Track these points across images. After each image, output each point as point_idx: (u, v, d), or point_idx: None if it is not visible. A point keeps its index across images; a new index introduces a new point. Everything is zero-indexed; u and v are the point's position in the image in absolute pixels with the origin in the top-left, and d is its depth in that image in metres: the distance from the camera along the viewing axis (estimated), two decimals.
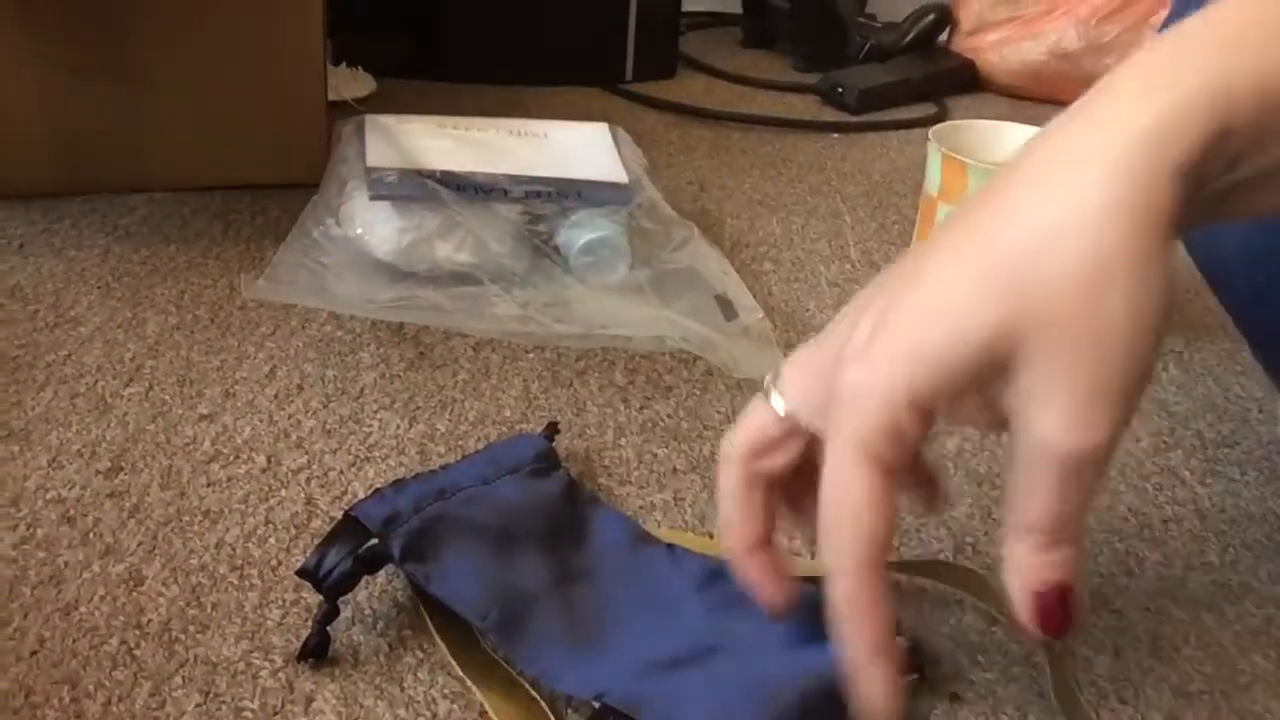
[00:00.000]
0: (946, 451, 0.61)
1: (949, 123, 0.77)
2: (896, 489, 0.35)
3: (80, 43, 0.80)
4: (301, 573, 0.46)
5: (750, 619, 0.45)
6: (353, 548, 0.46)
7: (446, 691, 0.44)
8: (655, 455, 0.59)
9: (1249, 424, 0.66)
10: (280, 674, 0.44)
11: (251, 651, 0.45)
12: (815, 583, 0.39)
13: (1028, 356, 0.32)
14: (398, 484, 0.50)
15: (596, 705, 0.43)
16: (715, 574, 0.48)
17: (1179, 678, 0.47)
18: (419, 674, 0.45)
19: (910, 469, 0.41)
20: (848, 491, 0.34)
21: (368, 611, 0.48)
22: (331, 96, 0.91)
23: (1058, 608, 0.35)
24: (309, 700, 0.43)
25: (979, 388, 0.33)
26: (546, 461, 0.54)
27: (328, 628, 0.45)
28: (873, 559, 0.35)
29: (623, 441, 0.60)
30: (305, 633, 0.46)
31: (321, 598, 0.45)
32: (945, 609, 0.50)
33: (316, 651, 0.45)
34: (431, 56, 1.17)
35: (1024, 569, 0.34)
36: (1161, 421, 0.65)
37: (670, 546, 0.51)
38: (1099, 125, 0.32)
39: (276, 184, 0.86)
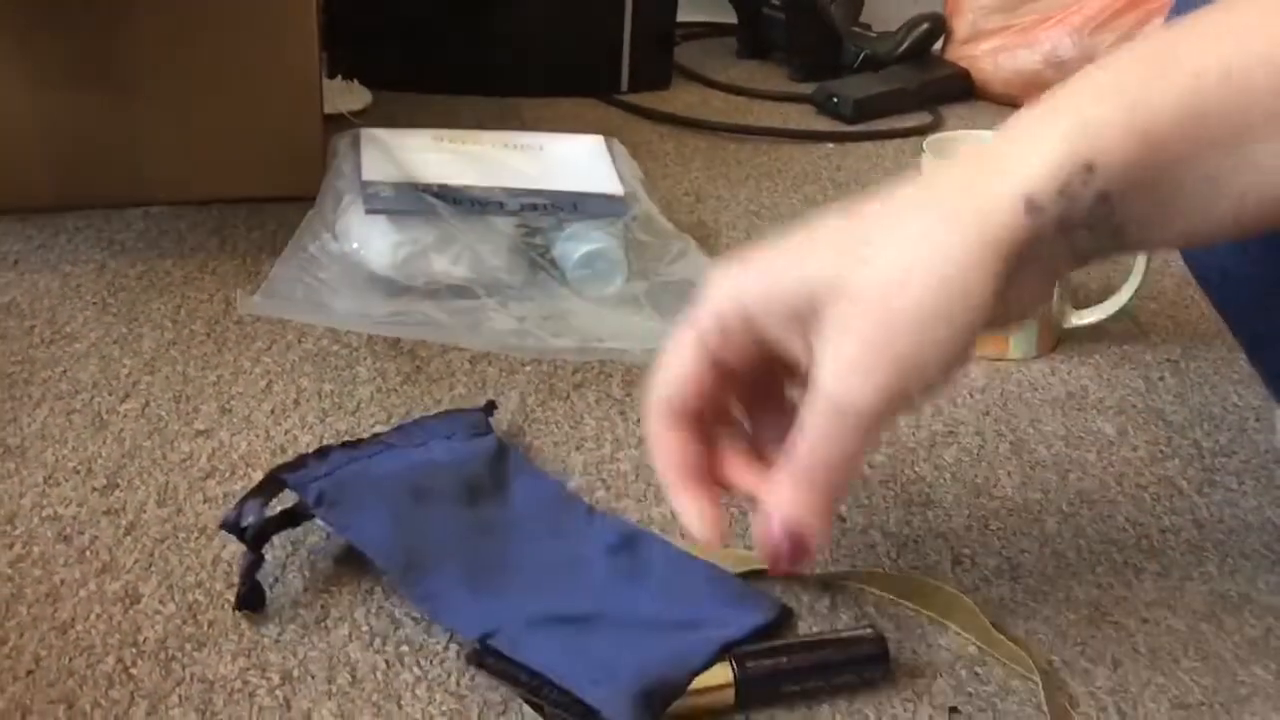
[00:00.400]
0: (944, 462, 0.61)
1: (943, 134, 0.77)
2: (720, 382, 0.41)
3: (76, 56, 0.80)
4: (223, 526, 0.49)
5: (648, 591, 0.49)
6: (269, 499, 0.50)
7: (445, 709, 0.44)
8: (653, 469, 0.59)
9: (1246, 433, 0.66)
10: (278, 692, 0.44)
11: (249, 669, 0.45)
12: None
13: (832, 313, 0.37)
14: (321, 450, 0.53)
15: (478, 644, 0.45)
16: (627, 541, 0.52)
17: (1178, 690, 0.47)
18: (417, 691, 0.45)
19: (764, 393, 0.44)
20: (670, 350, 0.41)
21: (365, 628, 0.48)
22: (327, 110, 0.91)
23: (790, 544, 0.39)
24: (306, 718, 0.43)
25: (800, 324, 0.38)
26: (478, 429, 0.57)
27: (263, 573, 0.49)
28: (662, 403, 0.42)
29: (620, 455, 0.60)
30: (303, 649, 0.46)
31: (246, 549, 0.49)
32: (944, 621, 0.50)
33: (250, 602, 0.48)
34: (427, 69, 1.17)
35: (776, 499, 0.39)
36: (1158, 430, 0.65)
37: (590, 508, 0.54)
38: (977, 156, 0.38)
39: (272, 197, 0.86)
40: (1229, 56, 0.34)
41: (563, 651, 0.44)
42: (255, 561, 0.48)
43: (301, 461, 0.52)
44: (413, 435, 0.56)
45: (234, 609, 0.48)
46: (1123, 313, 0.73)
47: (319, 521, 0.51)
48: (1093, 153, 0.35)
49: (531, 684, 0.43)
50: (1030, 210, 0.35)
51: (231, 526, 0.49)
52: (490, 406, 0.60)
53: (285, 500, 0.51)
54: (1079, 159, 0.35)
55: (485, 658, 0.45)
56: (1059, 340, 0.74)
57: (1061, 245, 0.36)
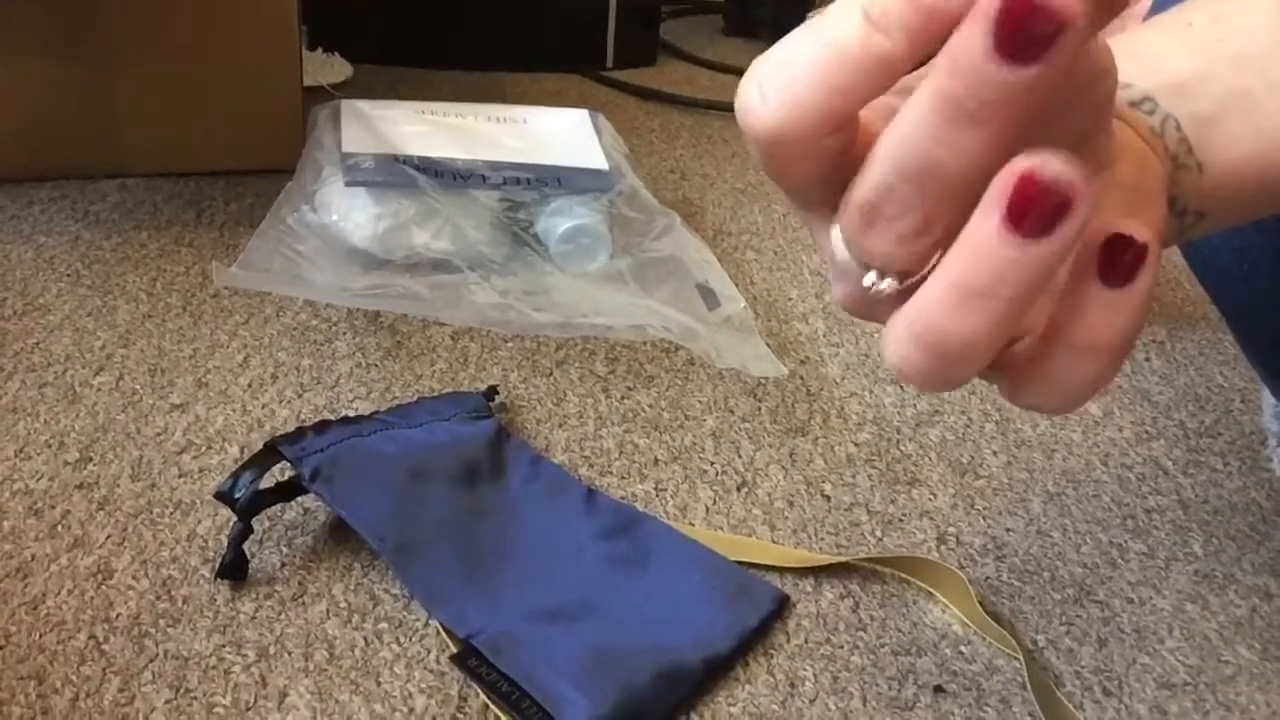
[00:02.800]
0: (929, 441, 0.60)
1: None
2: None
3: (53, 26, 0.78)
4: (217, 495, 0.48)
5: (643, 580, 0.48)
6: (265, 470, 0.49)
7: (424, 686, 0.43)
8: (636, 445, 0.58)
9: (1231, 414, 0.66)
10: (253, 669, 0.43)
11: (224, 646, 0.44)
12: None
13: None
14: (320, 424, 0.52)
15: (464, 645, 0.44)
16: (626, 526, 0.51)
17: (1163, 669, 0.47)
18: (395, 668, 0.44)
19: None
20: None
21: (343, 604, 0.47)
22: (307, 82, 0.89)
23: None
24: (283, 695, 0.42)
25: None
26: (479, 412, 0.57)
27: (244, 547, 0.48)
28: None
29: (603, 432, 0.59)
30: (279, 626, 0.45)
31: (236, 518, 0.48)
32: (930, 599, 0.50)
33: (233, 571, 0.47)
34: (409, 42, 1.15)
35: None
36: (1144, 411, 0.65)
37: (591, 491, 0.53)
38: None
39: (251, 170, 0.84)
40: None
41: (548, 653, 0.43)
42: (244, 531, 0.47)
43: (300, 434, 0.51)
44: (413, 415, 0.55)
45: (215, 577, 0.47)
46: None
47: (313, 496, 0.50)
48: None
49: (510, 695, 0.42)
50: None
51: (225, 496, 0.48)
52: (492, 391, 0.59)
53: (279, 474, 0.50)
54: None
55: (469, 660, 0.44)
56: None
57: None
